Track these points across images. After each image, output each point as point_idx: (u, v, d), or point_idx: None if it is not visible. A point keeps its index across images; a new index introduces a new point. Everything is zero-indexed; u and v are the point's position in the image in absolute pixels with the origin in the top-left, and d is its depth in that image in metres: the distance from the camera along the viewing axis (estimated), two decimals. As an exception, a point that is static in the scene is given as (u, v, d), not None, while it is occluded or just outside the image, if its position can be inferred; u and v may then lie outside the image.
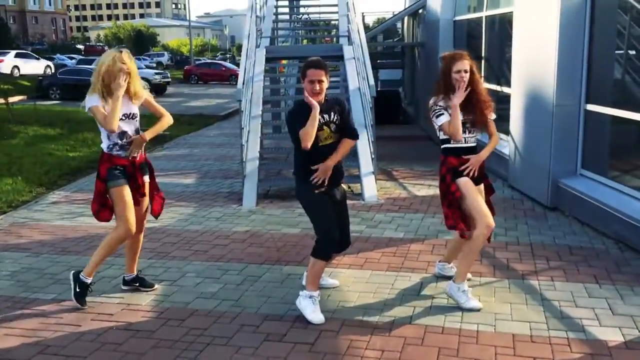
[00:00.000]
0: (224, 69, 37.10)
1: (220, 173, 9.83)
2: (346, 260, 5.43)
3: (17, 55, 34.66)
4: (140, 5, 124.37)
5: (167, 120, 4.72)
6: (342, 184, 4.56)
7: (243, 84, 8.02)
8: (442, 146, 4.59)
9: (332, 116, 4.33)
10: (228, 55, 62.58)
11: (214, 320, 4.28)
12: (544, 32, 7.06)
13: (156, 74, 28.76)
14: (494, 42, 9.99)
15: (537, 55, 7.32)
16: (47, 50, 57.68)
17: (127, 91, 4.46)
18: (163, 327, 4.19)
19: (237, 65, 40.44)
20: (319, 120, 4.21)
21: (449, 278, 4.81)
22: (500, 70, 9.77)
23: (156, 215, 4.81)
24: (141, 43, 67.83)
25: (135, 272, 4.87)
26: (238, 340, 3.97)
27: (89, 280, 4.54)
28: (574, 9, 6.67)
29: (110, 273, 5.24)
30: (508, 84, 8.78)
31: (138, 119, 4.60)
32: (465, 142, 4.50)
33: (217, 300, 4.63)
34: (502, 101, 9.43)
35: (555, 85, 6.84)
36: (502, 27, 9.54)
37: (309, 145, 4.14)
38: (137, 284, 4.83)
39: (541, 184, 7.20)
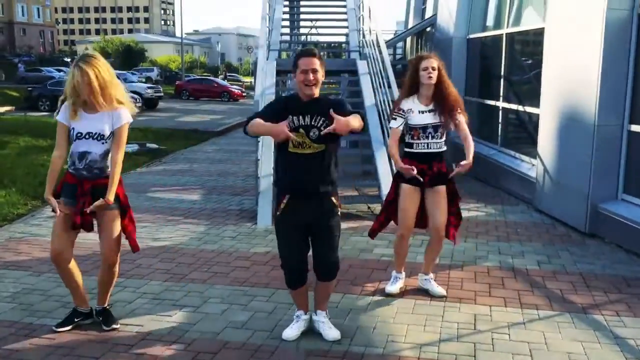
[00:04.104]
0: (215, 85, 36.57)
1: (226, 189, 9.31)
2: (382, 288, 4.93)
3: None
4: (129, 21, 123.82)
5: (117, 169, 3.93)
6: (333, 200, 3.85)
7: (260, 95, 7.56)
8: (405, 149, 4.69)
9: (315, 120, 3.68)
10: (222, 74, 61.18)
11: (251, 354, 3.75)
12: (584, 48, 6.68)
13: (148, 88, 28.18)
14: (515, 61, 9.62)
15: (575, 73, 6.93)
16: (34, 62, 57.00)
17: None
18: (193, 362, 3.66)
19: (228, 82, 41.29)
20: (293, 122, 3.66)
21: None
22: (523, 90, 9.39)
23: (135, 251, 4.18)
24: (130, 58, 67.23)
25: (100, 305, 4.17)
26: (283, 380, 3.45)
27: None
28: (619, 23, 6.30)
29: (124, 297, 4.69)
30: (534, 104, 8.40)
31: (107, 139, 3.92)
32: (428, 147, 4.59)
33: (249, 330, 4.10)
34: (526, 121, 9.07)
35: (596, 104, 6.44)
36: (527, 44, 9.19)
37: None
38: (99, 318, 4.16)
39: (577, 208, 6.77)
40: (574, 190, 6.89)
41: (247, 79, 54.37)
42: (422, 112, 4.58)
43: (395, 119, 4.63)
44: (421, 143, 4.60)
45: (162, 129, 18.25)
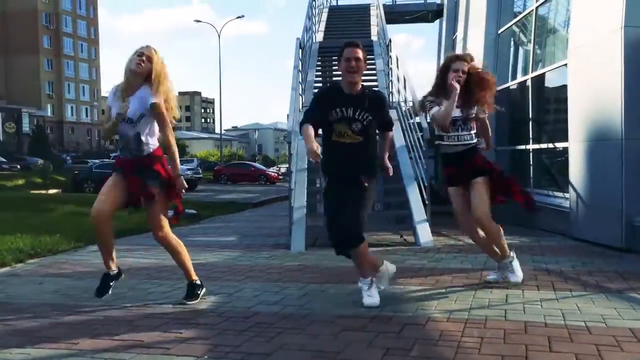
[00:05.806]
0: (253, 169, 37.53)
1: (261, 233, 9.49)
2: (414, 282, 4.95)
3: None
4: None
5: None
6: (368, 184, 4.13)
7: (292, 126, 7.89)
8: (437, 142, 4.82)
9: (359, 114, 4.04)
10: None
11: (281, 318, 3.82)
12: (606, 70, 6.86)
13: (188, 169, 29.08)
14: (542, 101, 9.83)
15: (599, 94, 7.08)
16: (80, 157, 59.40)
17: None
18: (225, 322, 3.74)
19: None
20: (337, 113, 4.01)
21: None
22: (551, 127, 9.54)
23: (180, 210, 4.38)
24: (172, 152, 69.75)
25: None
26: (313, 331, 3.49)
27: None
28: (637, 38, 6.52)
29: (160, 289, 4.82)
30: (562, 138, 8.50)
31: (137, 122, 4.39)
32: (458, 139, 4.64)
33: (281, 305, 4.17)
34: (557, 157, 9.15)
35: (622, 118, 6.55)
36: (552, 82, 9.42)
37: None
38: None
39: (613, 226, 6.71)
40: (608, 209, 6.86)
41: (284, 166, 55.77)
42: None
43: (437, 106, 4.63)
44: (452, 136, 4.66)
45: (201, 202, 18.70)
